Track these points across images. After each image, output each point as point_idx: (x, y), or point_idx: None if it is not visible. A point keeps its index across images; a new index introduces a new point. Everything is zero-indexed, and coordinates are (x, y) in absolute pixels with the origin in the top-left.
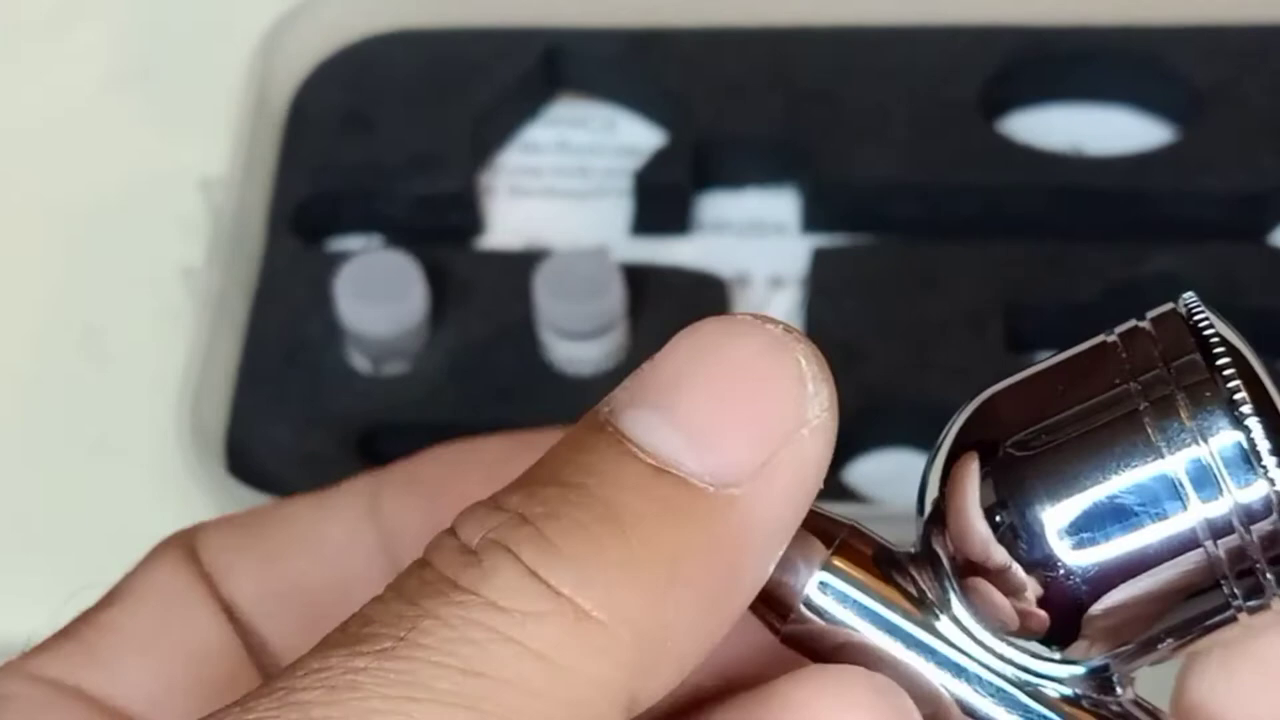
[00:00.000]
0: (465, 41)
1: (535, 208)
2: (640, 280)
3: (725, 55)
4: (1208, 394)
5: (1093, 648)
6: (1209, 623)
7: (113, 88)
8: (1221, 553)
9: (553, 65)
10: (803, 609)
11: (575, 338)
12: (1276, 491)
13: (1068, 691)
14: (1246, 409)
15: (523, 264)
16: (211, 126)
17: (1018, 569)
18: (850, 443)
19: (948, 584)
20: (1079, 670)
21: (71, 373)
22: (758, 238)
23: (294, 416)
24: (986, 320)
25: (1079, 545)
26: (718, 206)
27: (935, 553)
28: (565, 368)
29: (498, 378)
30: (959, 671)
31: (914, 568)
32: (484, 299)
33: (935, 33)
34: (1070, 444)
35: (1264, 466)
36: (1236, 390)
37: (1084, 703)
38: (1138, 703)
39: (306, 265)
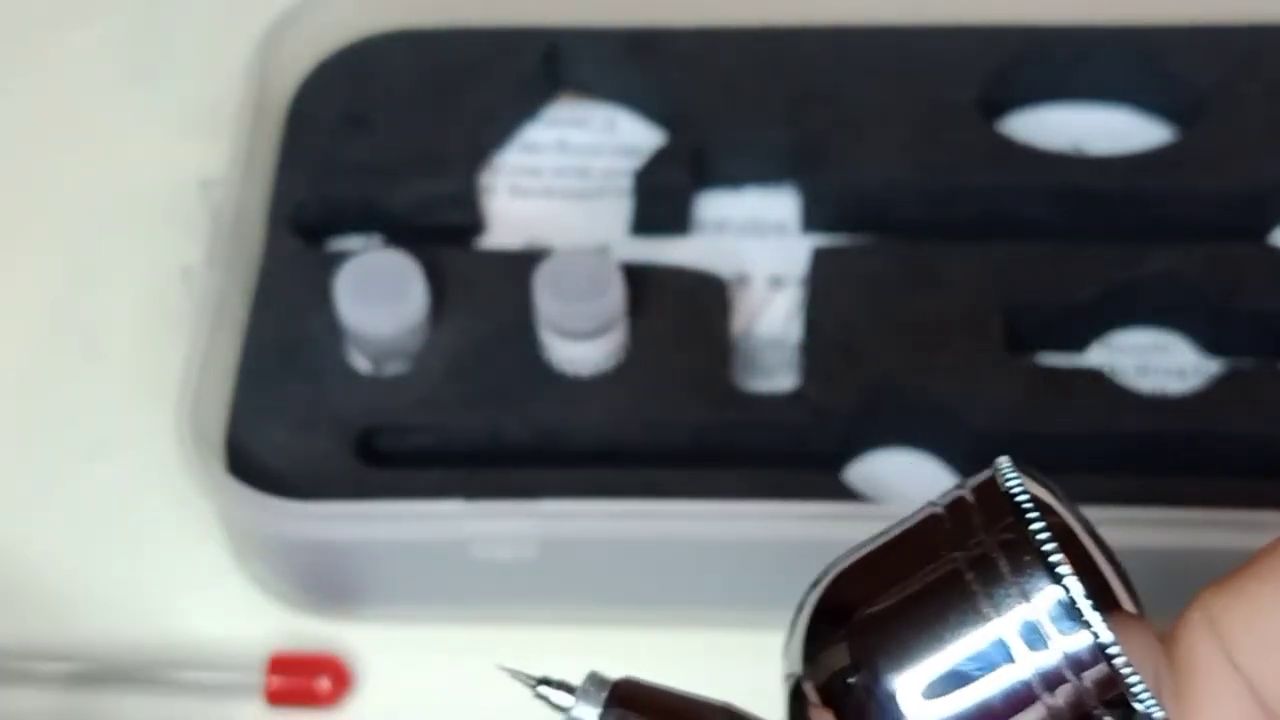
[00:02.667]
0: (465, 41)
1: (535, 208)
2: (640, 280)
3: (725, 55)
4: (1025, 556)
5: None
6: None
7: (113, 88)
8: (1061, 703)
9: (553, 65)
10: None
11: (575, 338)
12: (1099, 641)
13: None
14: (1063, 568)
15: (523, 264)
16: (211, 126)
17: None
18: (850, 443)
19: None
20: None
21: (71, 373)
22: (758, 238)
23: (294, 416)
24: (986, 320)
25: (924, 699)
26: (718, 206)
27: (800, 707)
28: (565, 368)
29: (498, 378)
30: None
31: None
32: (484, 299)
33: (935, 33)
34: (907, 613)
35: (1086, 620)
36: (1052, 550)
37: None
38: None
39: (306, 265)
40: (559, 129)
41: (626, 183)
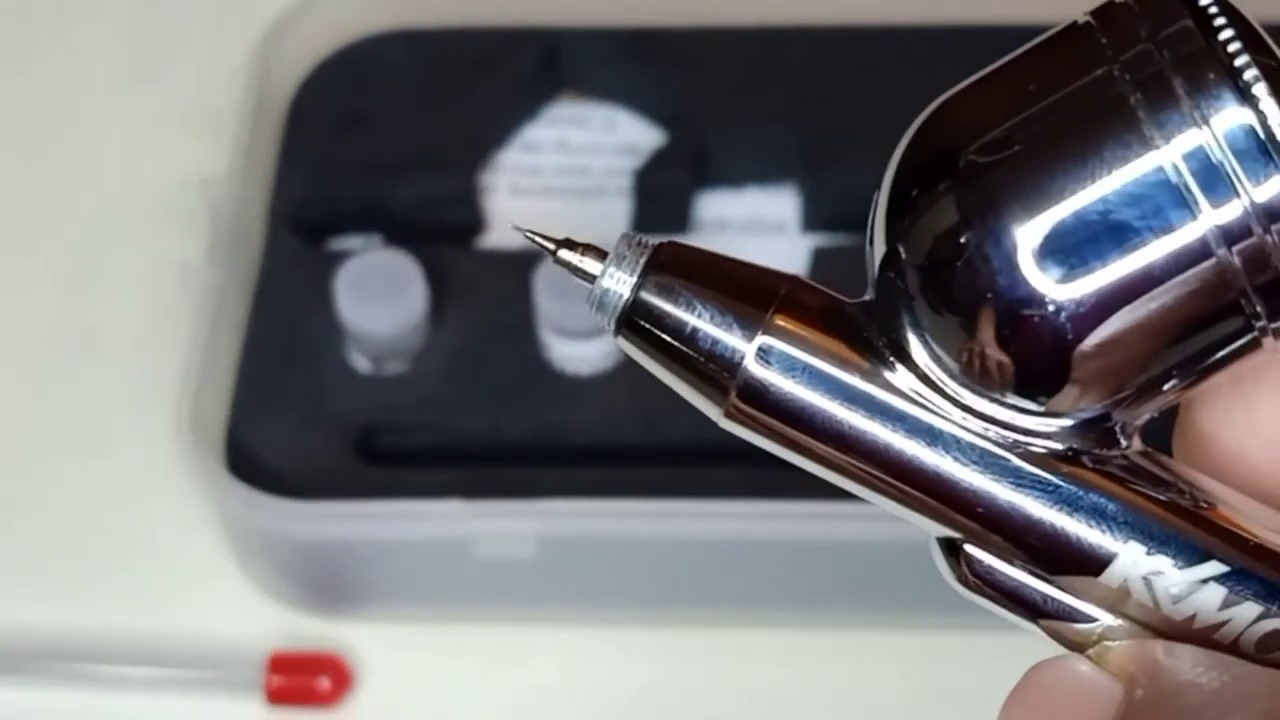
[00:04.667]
0: (465, 41)
1: (535, 207)
2: None
3: (725, 55)
4: (1208, 70)
5: (1085, 395)
6: (1226, 351)
7: (113, 87)
8: (1238, 261)
9: (553, 65)
10: (745, 381)
11: (575, 337)
12: None
13: (1060, 448)
14: (1259, 87)
15: (523, 264)
16: (211, 126)
17: (990, 302)
18: None
19: (910, 332)
20: (1071, 422)
21: (71, 373)
22: (758, 237)
23: (294, 416)
24: None
25: (1062, 268)
26: (718, 206)
27: (891, 296)
28: (565, 367)
29: (498, 377)
30: (934, 438)
31: (870, 319)
32: (484, 299)
33: (935, 33)
34: (1044, 145)
35: None
36: (1243, 64)
37: (1084, 460)
38: (1147, 454)
39: (306, 265)
40: (559, 129)
41: (626, 183)
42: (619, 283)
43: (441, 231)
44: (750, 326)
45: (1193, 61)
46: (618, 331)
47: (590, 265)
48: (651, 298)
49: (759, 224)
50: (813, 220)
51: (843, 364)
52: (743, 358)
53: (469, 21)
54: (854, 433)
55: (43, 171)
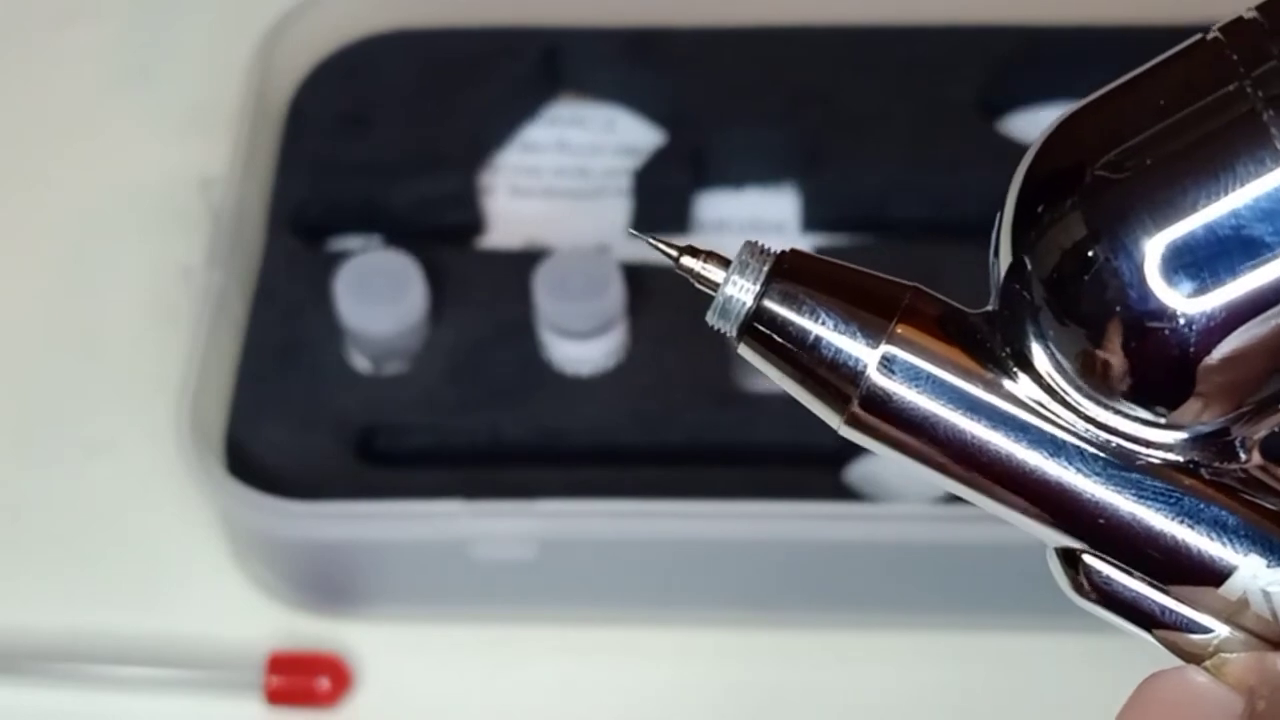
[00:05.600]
0: (465, 41)
1: (535, 207)
2: (640, 280)
3: (725, 55)
4: None
5: (1207, 408)
6: None
7: (113, 88)
8: None
9: (553, 65)
10: (867, 389)
11: (575, 337)
12: None
13: (1181, 460)
14: None
15: (523, 264)
16: (211, 126)
17: (1117, 315)
18: (850, 443)
19: (1035, 343)
20: (1191, 435)
21: (71, 373)
22: (757, 237)
23: (294, 416)
24: None
25: (1192, 282)
26: (718, 206)
27: (1016, 307)
28: (565, 367)
29: (498, 377)
30: (1056, 449)
31: (993, 329)
32: (484, 299)
33: (934, 33)
34: (1175, 160)
35: None
36: None
37: (1203, 473)
38: (1265, 468)
39: (306, 265)
40: (559, 129)
41: (626, 183)
42: (742, 290)
43: (441, 232)
44: (874, 336)
45: None
46: (740, 339)
47: (713, 273)
48: (775, 305)
49: (759, 224)
50: (812, 220)
51: (965, 374)
52: (865, 367)
53: (469, 21)
54: (976, 442)
55: (43, 171)
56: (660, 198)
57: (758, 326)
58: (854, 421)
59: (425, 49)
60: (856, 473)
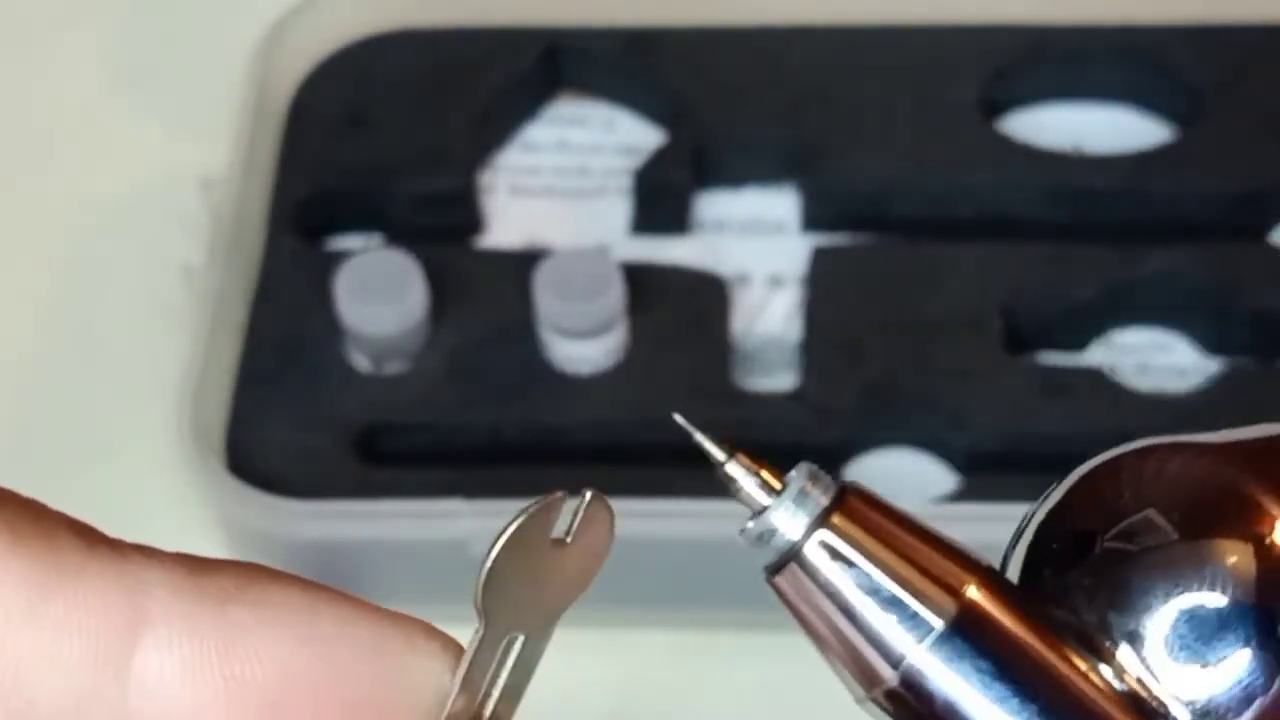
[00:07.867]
0: (465, 41)
1: (535, 207)
2: (640, 280)
3: (725, 55)
4: None
5: None
6: None
7: (113, 88)
8: None
9: (553, 65)
10: (905, 676)
11: (575, 337)
12: None
13: None
14: None
15: (523, 263)
16: (211, 126)
17: None
18: (850, 442)
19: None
20: None
21: (71, 373)
22: (757, 237)
23: (294, 416)
24: (986, 320)
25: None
26: (717, 206)
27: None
28: (565, 367)
29: (498, 377)
30: None
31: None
32: (484, 298)
33: (935, 32)
34: None
35: None
36: None
37: None
38: None
39: (306, 265)
40: (559, 128)
41: (626, 182)
42: (789, 526)
43: (441, 231)
44: (923, 627)
45: None
46: (772, 576)
47: (758, 493)
48: (822, 553)
49: (759, 223)
50: (812, 219)
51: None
52: (905, 656)
53: (469, 21)
54: None
55: (42, 171)
56: (660, 198)
57: (796, 569)
58: (878, 701)
59: (425, 48)
60: (856, 472)
